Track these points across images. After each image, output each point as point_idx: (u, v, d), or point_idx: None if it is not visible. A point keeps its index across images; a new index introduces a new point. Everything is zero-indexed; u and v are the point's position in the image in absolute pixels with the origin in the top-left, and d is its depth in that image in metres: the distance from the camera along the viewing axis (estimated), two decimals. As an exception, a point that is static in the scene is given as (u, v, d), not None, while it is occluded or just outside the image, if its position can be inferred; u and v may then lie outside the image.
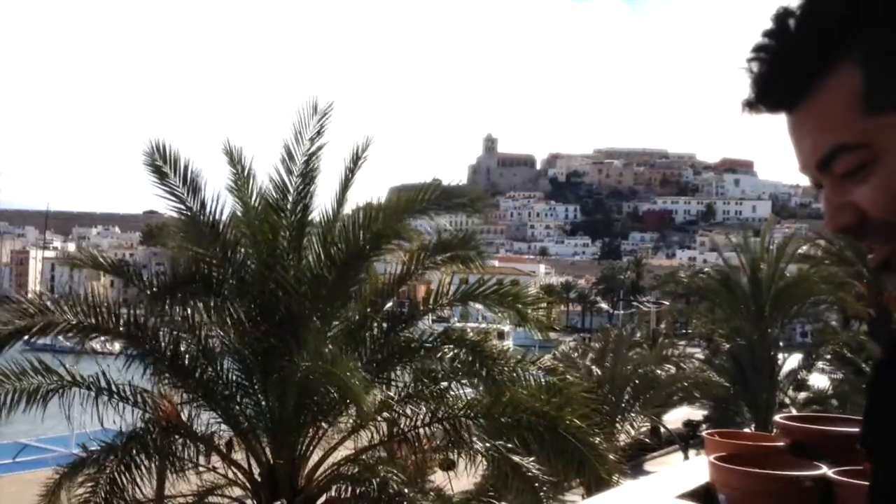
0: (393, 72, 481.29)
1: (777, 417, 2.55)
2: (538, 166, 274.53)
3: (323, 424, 10.60)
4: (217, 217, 10.88)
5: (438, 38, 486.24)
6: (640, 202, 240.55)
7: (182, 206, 10.80)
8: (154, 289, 10.46)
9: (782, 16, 0.96)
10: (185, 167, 10.76)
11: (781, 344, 27.81)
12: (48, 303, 10.55)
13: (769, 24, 0.97)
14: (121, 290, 12.47)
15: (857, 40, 0.92)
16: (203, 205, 10.80)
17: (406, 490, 9.59)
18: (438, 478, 13.19)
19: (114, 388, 10.38)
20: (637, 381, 25.75)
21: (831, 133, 0.95)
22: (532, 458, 10.27)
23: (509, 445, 10.32)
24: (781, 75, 0.97)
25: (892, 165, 0.92)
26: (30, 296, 11.97)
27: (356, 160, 11.22)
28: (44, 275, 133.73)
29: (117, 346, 11.03)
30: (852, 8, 0.92)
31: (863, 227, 0.96)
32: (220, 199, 10.91)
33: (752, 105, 1.00)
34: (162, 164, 10.69)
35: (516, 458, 10.24)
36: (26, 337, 10.08)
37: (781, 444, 2.32)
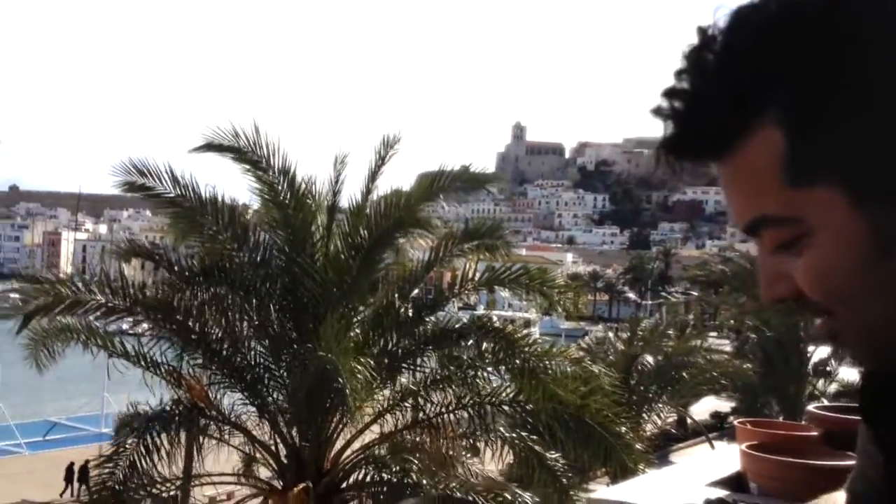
0: (423, 59, 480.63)
1: (810, 407, 2.51)
2: (567, 155, 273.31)
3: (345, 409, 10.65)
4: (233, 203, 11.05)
5: (470, 25, 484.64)
6: (669, 192, 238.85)
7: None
8: (184, 273, 10.55)
9: (698, 49, 0.82)
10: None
11: (811, 333, 27.47)
12: (78, 283, 10.68)
13: (684, 59, 0.83)
14: (151, 273, 12.59)
15: (778, 96, 0.78)
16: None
17: (425, 480, 9.60)
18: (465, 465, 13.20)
19: (149, 359, 10.54)
20: (664, 372, 25.60)
21: (754, 201, 0.82)
22: (557, 451, 10.27)
23: (534, 437, 10.32)
24: (693, 133, 0.83)
25: (823, 247, 0.79)
26: (61, 276, 12.15)
27: (384, 154, 11.25)
28: (75, 255, 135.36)
29: (146, 325, 11.16)
30: (775, 54, 0.78)
31: (800, 299, 0.84)
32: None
33: (668, 158, 0.85)
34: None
35: (539, 448, 10.23)
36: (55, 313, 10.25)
37: (813, 433, 2.29)
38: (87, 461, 21.72)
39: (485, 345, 10.66)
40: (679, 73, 0.83)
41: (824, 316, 0.85)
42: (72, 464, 25.56)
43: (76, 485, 25.02)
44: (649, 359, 25.46)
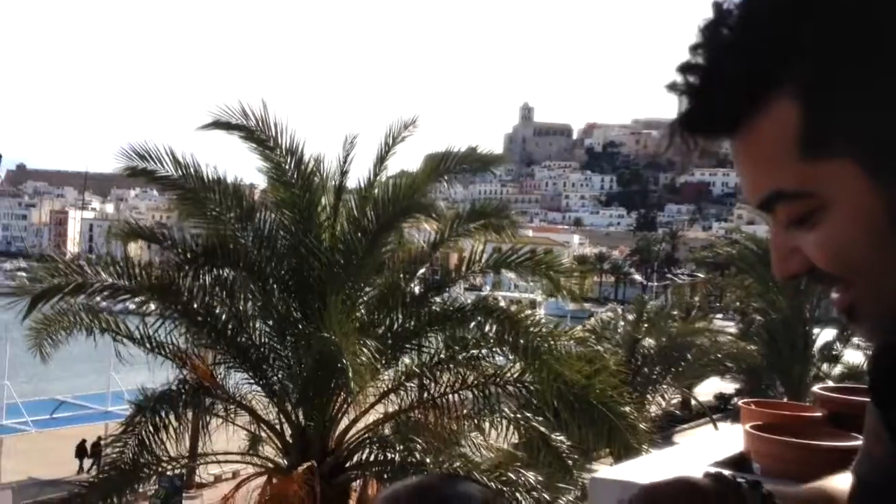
0: (432, 40, 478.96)
1: (815, 388, 2.50)
2: (574, 136, 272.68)
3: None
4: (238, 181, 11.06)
5: (479, 5, 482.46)
6: (677, 173, 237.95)
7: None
8: (187, 254, 10.56)
9: (714, 23, 0.81)
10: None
11: (816, 315, 27.43)
12: (84, 263, 10.70)
13: (699, 33, 0.82)
14: (157, 252, 12.62)
15: (795, 69, 0.78)
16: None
17: (428, 459, 9.64)
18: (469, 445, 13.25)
19: (154, 341, 10.58)
20: (668, 353, 25.64)
21: (768, 176, 0.82)
22: (561, 432, 10.31)
23: (539, 418, 10.34)
24: (708, 108, 0.83)
25: (838, 220, 0.79)
26: (67, 256, 12.19)
27: (396, 136, 11.21)
28: (82, 234, 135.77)
29: (153, 306, 11.19)
30: (791, 27, 0.77)
31: (813, 274, 0.84)
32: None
33: (682, 134, 0.85)
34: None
35: (544, 429, 10.26)
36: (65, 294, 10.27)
37: (819, 414, 2.27)
38: (99, 438, 21.87)
39: (489, 325, 10.67)
40: (694, 48, 0.83)
41: (839, 290, 0.85)
42: (83, 441, 25.70)
43: (88, 462, 25.18)
44: (653, 341, 25.50)
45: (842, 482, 1.09)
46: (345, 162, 11.09)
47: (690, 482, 1.04)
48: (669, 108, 0.86)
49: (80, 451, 25.78)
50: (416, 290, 11.17)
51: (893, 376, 0.88)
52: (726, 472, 1.05)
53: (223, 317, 10.80)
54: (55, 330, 10.51)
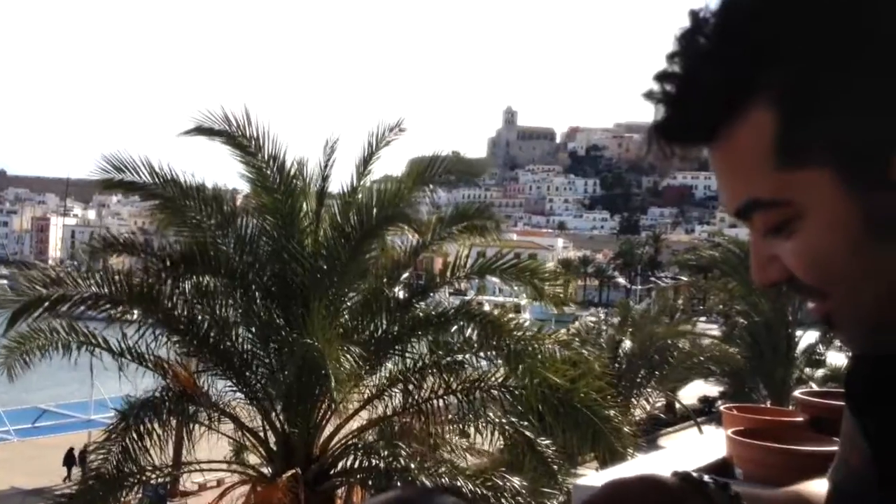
0: (415, 43, 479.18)
1: (796, 393, 2.50)
2: (558, 140, 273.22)
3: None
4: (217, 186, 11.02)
5: (462, 9, 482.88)
6: (659, 177, 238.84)
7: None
8: (166, 261, 10.50)
9: (690, 32, 0.81)
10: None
11: (799, 318, 27.57)
12: (63, 274, 10.60)
13: (676, 42, 0.82)
14: (138, 259, 12.54)
15: (771, 78, 0.77)
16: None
17: (413, 465, 9.62)
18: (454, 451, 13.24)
19: (135, 352, 10.48)
20: (654, 357, 25.73)
21: (745, 184, 0.82)
22: (546, 436, 10.30)
23: (524, 423, 10.34)
24: (685, 117, 0.83)
25: (814, 229, 0.79)
26: (49, 263, 12.07)
27: (378, 141, 11.19)
28: (64, 241, 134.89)
29: (135, 314, 11.10)
30: (767, 37, 0.77)
31: (792, 282, 0.84)
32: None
33: (660, 142, 0.85)
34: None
35: (529, 434, 10.26)
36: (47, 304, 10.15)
37: (800, 419, 2.28)
38: (85, 446, 21.71)
39: (471, 329, 10.67)
40: (671, 57, 0.82)
41: (816, 299, 0.84)
42: (71, 449, 25.50)
43: (76, 470, 24.96)
44: (635, 344, 25.59)
45: (818, 486, 1.09)
46: (326, 167, 11.07)
47: (656, 479, 1.02)
48: (651, 111, 0.86)
49: (69, 460, 25.58)
50: (401, 295, 11.15)
51: (870, 383, 0.88)
52: (694, 473, 1.05)
53: (205, 324, 10.73)
54: (30, 349, 10.27)
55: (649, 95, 0.84)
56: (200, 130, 10.75)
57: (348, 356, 9.42)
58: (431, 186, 11.23)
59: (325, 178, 11.08)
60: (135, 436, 10.09)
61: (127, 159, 10.58)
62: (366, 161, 11.17)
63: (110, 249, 11.29)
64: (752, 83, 0.79)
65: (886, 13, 0.76)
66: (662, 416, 31.10)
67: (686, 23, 0.83)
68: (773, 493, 1.19)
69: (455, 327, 10.84)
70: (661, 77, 0.83)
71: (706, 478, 1.02)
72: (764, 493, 1.19)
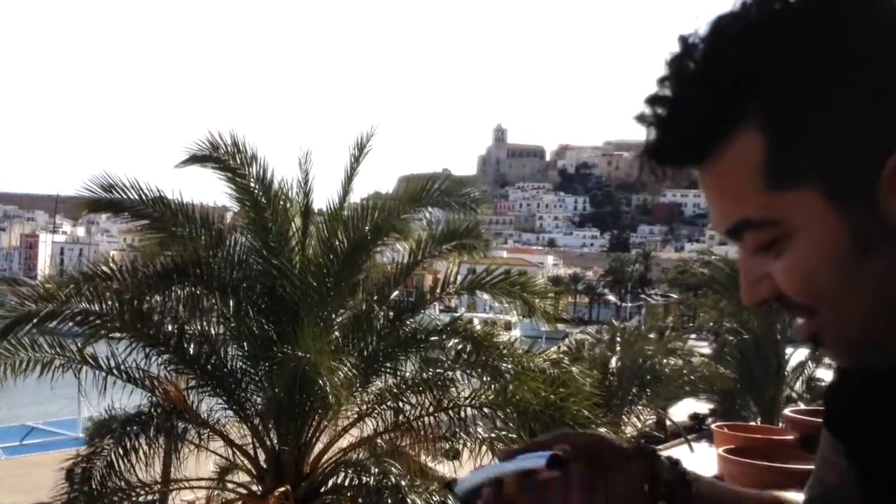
0: (404, 61, 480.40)
1: (786, 411, 2.52)
2: (548, 157, 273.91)
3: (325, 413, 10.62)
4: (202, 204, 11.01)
5: (450, 27, 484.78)
6: (649, 195, 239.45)
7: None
8: (157, 267, 10.46)
9: (680, 57, 0.84)
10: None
11: (789, 335, 27.59)
12: (52, 289, 10.53)
13: (666, 66, 0.84)
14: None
15: (760, 102, 0.79)
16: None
17: (403, 483, 9.58)
18: (446, 468, 13.20)
19: (123, 369, 10.41)
20: (644, 374, 25.69)
21: (735, 205, 0.84)
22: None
23: (513, 436, 10.30)
24: (676, 139, 0.85)
25: (803, 248, 0.81)
26: (38, 280, 11.99)
27: (361, 148, 11.21)
28: (53, 258, 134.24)
29: (125, 332, 11.02)
30: (756, 61, 0.79)
31: (781, 300, 0.86)
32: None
33: (651, 164, 0.87)
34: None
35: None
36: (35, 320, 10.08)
37: (790, 437, 2.29)
38: (73, 464, 21.49)
39: (459, 347, 10.66)
40: (661, 81, 0.85)
41: (805, 316, 0.86)
42: (73, 465, 25.24)
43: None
44: (624, 362, 25.55)
45: (792, 497, 1.10)
46: (305, 182, 11.06)
47: (607, 438, 1.07)
48: (641, 131, 0.88)
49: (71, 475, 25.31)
50: (391, 313, 11.13)
51: (848, 403, 0.89)
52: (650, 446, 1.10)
53: (195, 340, 10.70)
54: (17, 365, 10.10)
55: (641, 118, 0.86)
56: (194, 159, 10.80)
57: (342, 368, 9.40)
58: (430, 209, 11.26)
59: (307, 194, 11.07)
60: (120, 451, 10.01)
61: (115, 179, 10.56)
62: (350, 172, 11.17)
63: (95, 277, 11.11)
64: (741, 107, 0.81)
65: (870, 38, 0.78)
66: (654, 433, 31.03)
67: (676, 48, 0.84)
68: (744, 490, 1.21)
69: (444, 345, 10.84)
70: (652, 101, 0.85)
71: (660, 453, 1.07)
72: (731, 486, 1.21)
